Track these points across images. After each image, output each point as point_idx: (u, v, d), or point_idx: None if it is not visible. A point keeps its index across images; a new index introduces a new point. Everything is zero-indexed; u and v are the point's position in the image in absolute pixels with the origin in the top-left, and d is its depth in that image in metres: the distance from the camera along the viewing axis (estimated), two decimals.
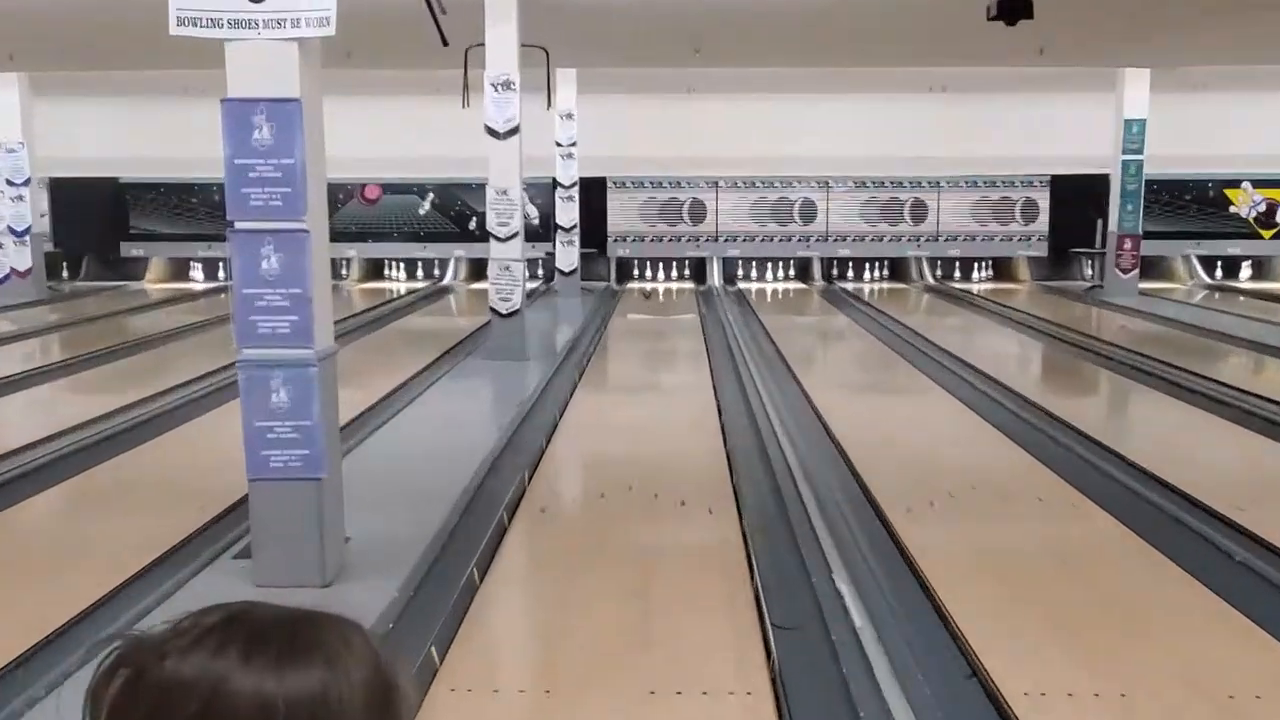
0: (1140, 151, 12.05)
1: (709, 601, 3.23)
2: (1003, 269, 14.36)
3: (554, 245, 12.44)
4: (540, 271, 13.71)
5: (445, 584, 3.30)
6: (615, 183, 13.82)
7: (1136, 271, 12.27)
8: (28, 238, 12.11)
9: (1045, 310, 10.90)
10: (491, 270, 7.72)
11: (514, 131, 7.41)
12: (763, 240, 14.00)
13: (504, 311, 7.64)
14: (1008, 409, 5.99)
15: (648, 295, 13.35)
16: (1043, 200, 13.85)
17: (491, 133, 7.44)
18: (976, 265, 14.33)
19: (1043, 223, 13.86)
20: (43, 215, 13.11)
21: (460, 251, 13.99)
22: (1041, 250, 13.93)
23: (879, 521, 3.97)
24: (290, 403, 3.18)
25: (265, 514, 3.24)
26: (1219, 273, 13.94)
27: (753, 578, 3.39)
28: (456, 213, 13.96)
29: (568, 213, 12.17)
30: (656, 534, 3.95)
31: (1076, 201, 13.43)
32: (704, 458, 4.97)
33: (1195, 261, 13.95)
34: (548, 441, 5.33)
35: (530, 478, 4.62)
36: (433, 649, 2.82)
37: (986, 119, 13.52)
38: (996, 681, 2.63)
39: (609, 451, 5.34)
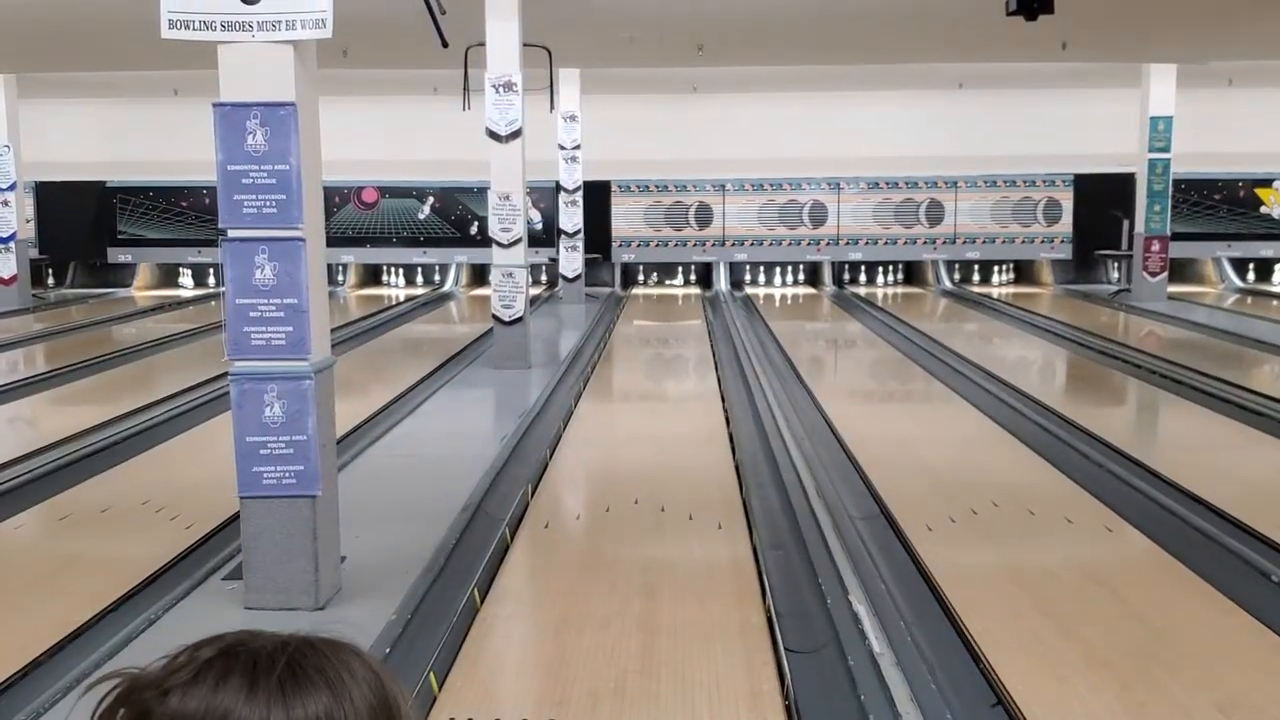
0: (1167, 150, 12.02)
1: (720, 623, 3.21)
2: (1024, 272, 14.34)
3: (558, 250, 12.46)
4: (543, 277, 13.74)
5: (444, 606, 3.29)
6: (620, 186, 13.85)
7: (1165, 275, 12.23)
8: (12, 244, 12.18)
9: (1069, 315, 10.86)
10: (494, 276, 7.73)
11: (516, 134, 7.43)
12: (771, 244, 14.01)
13: (507, 319, 7.65)
14: (1032, 420, 5.95)
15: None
16: (1066, 200, 13.82)
17: (493, 136, 7.46)
18: (996, 268, 14.30)
19: (1066, 224, 13.84)
20: (28, 220, 13.17)
21: (461, 257, 14.03)
22: (1065, 253, 13.90)
23: (897, 539, 3.95)
24: (284, 417, 3.17)
25: (257, 533, 3.23)
26: (1251, 276, 13.88)
27: (765, 598, 3.37)
28: (457, 217, 14.00)
29: (571, 217, 12.20)
30: (664, 550, 3.94)
31: (1101, 202, 13.41)
32: (712, 470, 4.97)
33: (1226, 264, 13.90)
34: (551, 454, 5.33)
35: (533, 492, 4.62)
36: (431, 675, 2.81)
37: (1006, 116, 13.51)
38: (1022, 710, 2.60)
39: (614, 464, 5.33)
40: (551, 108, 9.02)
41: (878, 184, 13.91)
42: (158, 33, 3.06)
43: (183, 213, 13.98)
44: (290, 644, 0.62)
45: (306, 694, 0.60)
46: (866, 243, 14.01)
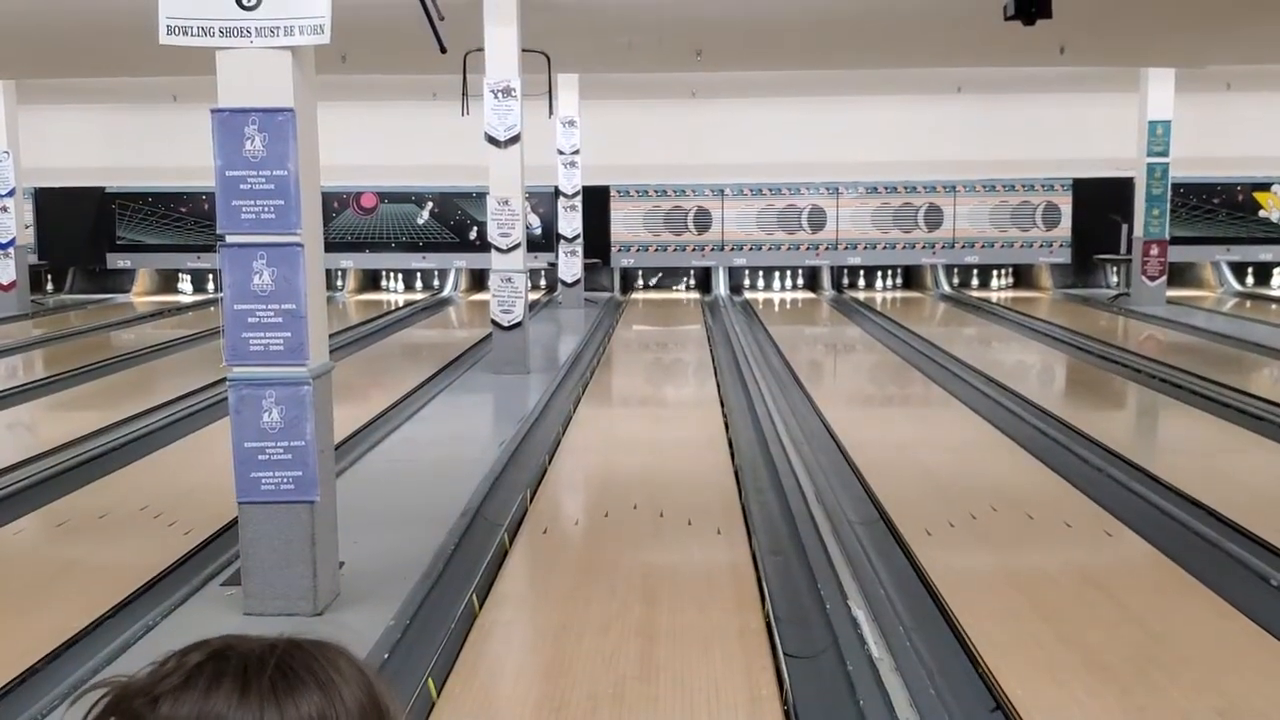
0: (1166, 154, 12.04)
1: (719, 628, 3.21)
2: (1023, 276, 14.35)
3: (556, 255, 12.47)
4: (542, 282, 13.75)
5: (443, 611, 3.29)
6: (619, 191, 13.87)
7: (1164, 279, 12.25)
8: (11, 250, 12.18)
9: (1069, 319, 10.87)
10: (493, 281, 7.74)
11: (515, 140, 7.45)
12: (770, 249, 14.03)
13: (506, 324, 7.66)
14: (1031, 424, 5.95)
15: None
16: (1065, 204, 13.84)
17: (492, 141, 7.48)
18: (995, 272, 14.32)
19: (1065, 228, 13.86)
20: (27, 226, 13.18)
21: (460, 262, 14.04)
22: (1064, 257, 13.92)
23: (896, 544, 3.95)
24: (282, 423, 3.17)
25: (255, 539, 3.23)
26: (1250, 279, 13.90)
27: (764, 603, 3.37)
28: (456, 222, 14.01)
29: (570, 222, 12.21)
30: (663, 555, 3.94)
31: (1100, 206, 13.42)
32: (711, 475, 4.97)
33: (1225, 268, 13.92)
34: (550, 459, 5.33)
35: (532, 497, 4.62)
36: (430, 681, 2.81)
37: (1005, 120, 13.54)
38: (1021, 714, 2.60)
39: (613, 469, 5.33)
40: (550, 113, 9.02)
41: (876, 188, 13.93)
42: (156, 38, 3.07)
43: (182, 218, 13.99)
44: (278, 646, 0.62)
45: (299, 694, 0.60)
46: (865, 247, 14.02)
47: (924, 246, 13.97)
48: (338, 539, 3.47)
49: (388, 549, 3.80)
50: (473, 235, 13.80)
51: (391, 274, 14.36)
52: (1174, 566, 3.69)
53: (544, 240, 13.32)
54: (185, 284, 14.23)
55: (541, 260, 13.03)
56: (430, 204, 13.98)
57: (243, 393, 3.18)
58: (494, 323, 7.73)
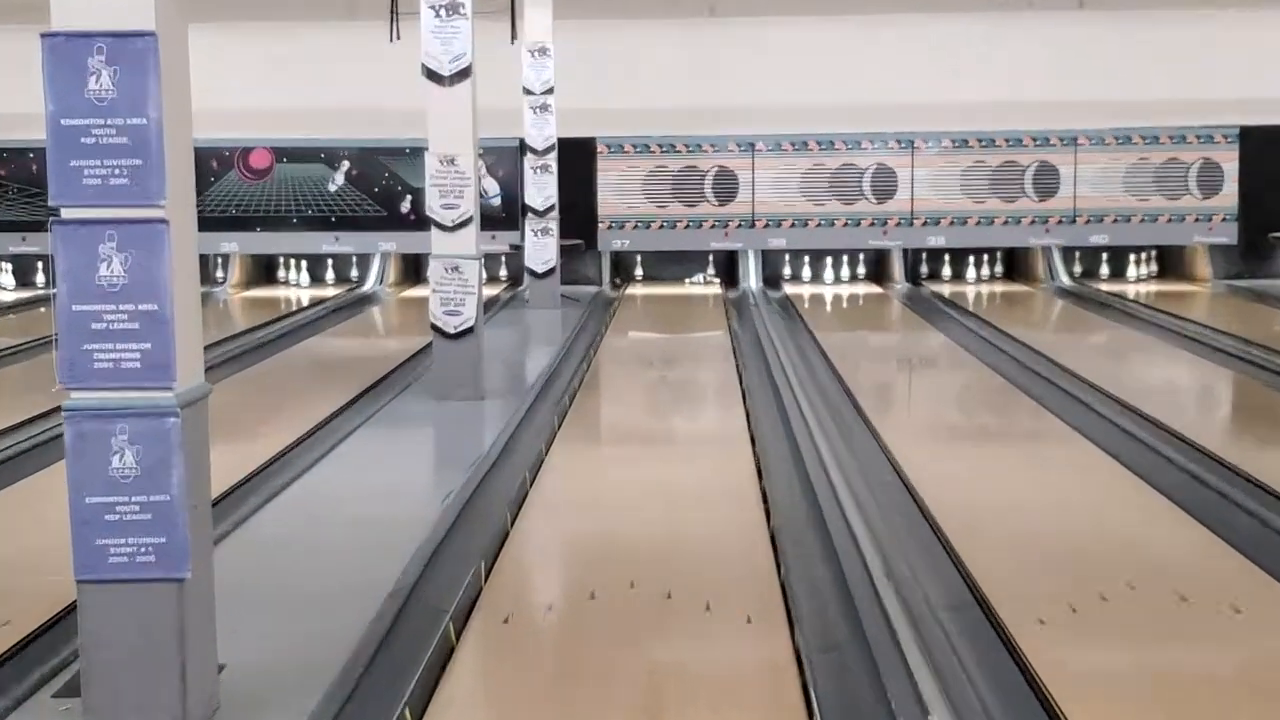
0: None
1: None
2: (1172, 262, 14.43)
3: (522, 235, 12.55)
4: (503, 273, 13.86)
5: None
6: (609, 146, 13.96)
7: None
8: None
9: (1234, 323, 10.94)
10: (433, 271, 7.79)
11: (464, 74, 7.51)
12: (819, 225, 14.11)
13: (451, 330, 7.71)
14: (1184, 469, 5.99)
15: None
16: (1229, 163, 13.94)
17: (432, 76, 7.54)
18: (1133, 258, 14.41)
19: (1229, 195, 13.95)
20: None
21: (388, 244, 14.13)
22: (1228, 235, 14.01)
23: (998, 637, 3.97)
24: (139, 469, 3.18)
25: (101, 631, 3.24)
26: None
27: (811, 717, 3.38)
28: (383, 189, 14.11)
29: (542, 189, 12.29)
30: (671, 653, 3.97)
31: (1279, 164, 13.49)
32: (738, 541, 5.01)
33: None
34: (513, 518, 5.37)
35: (488, 572, 4.65)
36: None
37: (1143, 47, 13.65)
38: None
39: (600, 532, 5.37)
40: (513, 38, 9.11)
41: (966, 141, 14.03)
42: None
43: (2, 185, 14.05)
44: None
45: None
46: (952, 223, 14.11)
47: (1034, 222, 14.06)
48: (216, 631, 3.48)
49: (286, 645, 3.82)
50: (405, 207, 13.89)
51: (292, 261, 14.46)
52: None
53: (505, 214, 13.40)
54: (5, 276, 14.29)
55: (501, 242, 13.11)
56: (346, 164, 14.07)
57: (83, 427, 3.19)
58: (435, 328, 7.79)
